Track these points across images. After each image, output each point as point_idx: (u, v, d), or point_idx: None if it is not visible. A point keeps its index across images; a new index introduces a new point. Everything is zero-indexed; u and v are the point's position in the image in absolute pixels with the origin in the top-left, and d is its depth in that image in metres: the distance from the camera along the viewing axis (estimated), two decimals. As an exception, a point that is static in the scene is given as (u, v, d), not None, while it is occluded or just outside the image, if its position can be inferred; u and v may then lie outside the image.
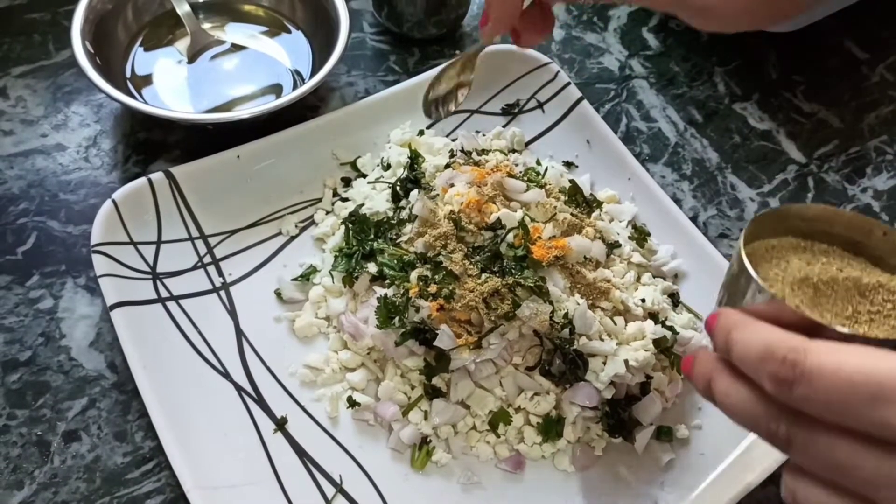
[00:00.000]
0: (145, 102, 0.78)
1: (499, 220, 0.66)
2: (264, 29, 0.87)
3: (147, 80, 0.82)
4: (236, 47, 0.85)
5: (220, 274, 0.71)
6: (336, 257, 0.70)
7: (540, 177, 0.74)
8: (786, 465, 0.38)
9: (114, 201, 0.69)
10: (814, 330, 0.37)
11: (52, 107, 0.82)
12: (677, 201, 0.77)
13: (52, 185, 0.76)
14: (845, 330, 0.37)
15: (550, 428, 0.64)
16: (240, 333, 0.68)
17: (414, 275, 0.65)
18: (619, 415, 0.64)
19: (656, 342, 0.65)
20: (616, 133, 0.80)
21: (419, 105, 0.81)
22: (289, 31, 0.87)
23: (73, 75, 0.84)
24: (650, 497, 0.63)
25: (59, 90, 0.83)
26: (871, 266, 0.46)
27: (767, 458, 0.62)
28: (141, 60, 0.83)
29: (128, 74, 0.82)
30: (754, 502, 0.64)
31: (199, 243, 0.72)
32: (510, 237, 0.66)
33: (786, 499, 0.38)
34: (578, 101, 0.81)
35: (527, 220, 0.67)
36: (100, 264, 0.66)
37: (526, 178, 0.72)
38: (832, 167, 0.85)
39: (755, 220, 0.45)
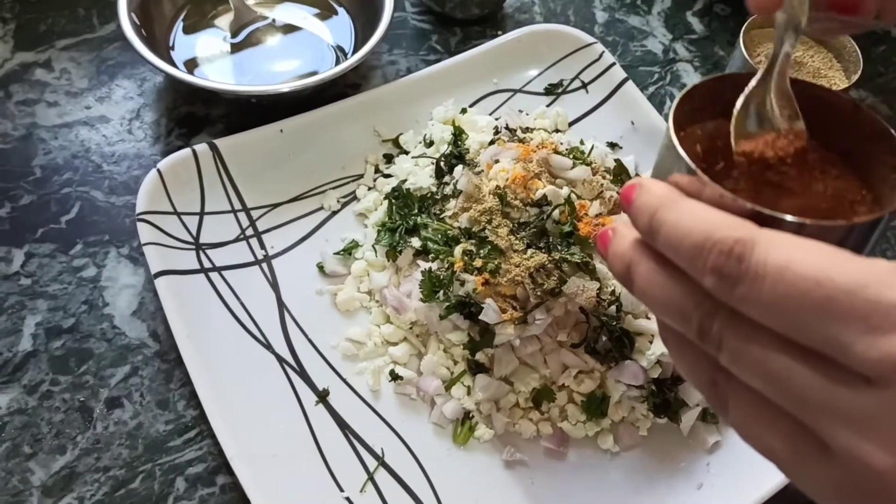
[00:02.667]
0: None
1: (544, 196, 0.66)
2: (310, 9, 0.87)
3: (190, 55, 0.82)
4: (279, 24, 0.85)
5: (263, 247, 0.71)
6: (379, 232, 0.69)
7: (585, 155, 0.73)
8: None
9: (159, 171, 0.69)
10: (755, 219, 0.30)
11: (95, 79, 0.82)
12: (722, 184, 0.76)
13: (96, 156, 0.77)
14: (794, 219, 0.31)
15: (595, 407, 0.63)
16: (282, 305, 0.68)
17: (458, 249, 0.64)
18: (664, 395, 0.63)
19: (703, 322, 0.64)
20: (660, 115, 0.80)
21: (462, 83, 0.81)
22: (335, 12, 0.86)
23: (116, 49, 0.84)
24: (695, 479, 0.62)
25: (103, 63, 0.83)
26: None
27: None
28: (184, 36, 0.83)
29: (171, 49, 0.82)
30: (802, 487, 0.63)
31: (242, 216, 0.72)
32: (556, 214, 0.65)
33: (709, 401, 0.32)
34: (623, 81, 0.80)
35: (573, 196, 0.66)
36: (144, 232, 0.66)
37: (571, 157, 0.71)
38: (880, 154, 0.83)
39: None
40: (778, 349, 0.28)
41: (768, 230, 0.29)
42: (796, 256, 0.27)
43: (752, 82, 0.38)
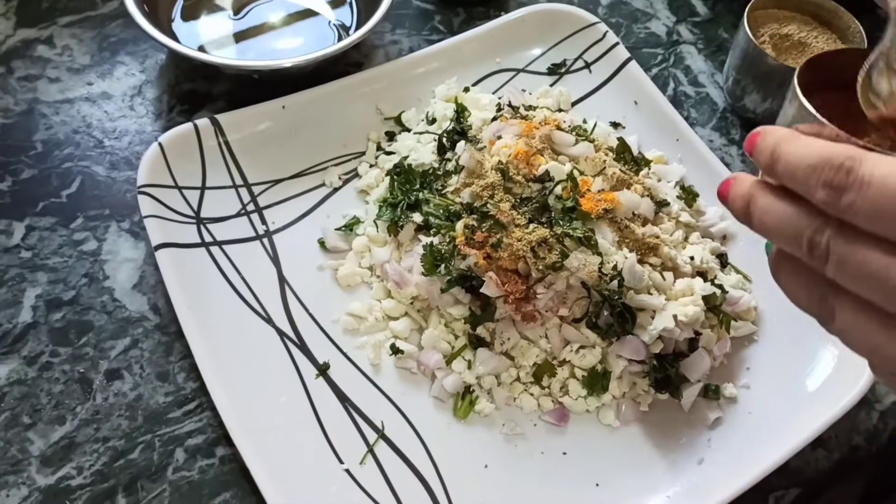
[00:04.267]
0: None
1: (547, 172, 0.65)
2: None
3: (192, 32, 0.82)
4: (282, 2, 0.85)
5: (264, 222, 0.70)
6: (380, 207, 0.69)
7: (588, 133, 0.72)
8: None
9: (160, 144, 0.69)
10: None
11: (97, 56, 0.82)
12: (725, 165, 0.76)
13: (97, 131, 0.76)
14: None
15: (596, 381, 0.63)
16: (282, 280, 0.68)
17: (460, 224, 0.64)
18: (666, 370, 0.63)
19: (705, 299, 0.64)
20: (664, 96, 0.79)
21: (464, 62, 0.81)
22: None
23: (118, 26, 0.84)
24: (696, 454, 0.61)
25: (105, 40, 0.83)
26: None
27: (817, 419, 0.60)
28: (186, 13, 0.83)
29: (174, 26, 0.82)
30: (803, 463, 0.63)
31: (243, 191, 0.71)
32: (558, 189, 0.65)
33: (818, 319, 0.36)
34: (627, 61, 0.80)
35: (575, 173, 0.66)
36: (145, 205, 0.66)
37: (574, 134, 0.71)
38: (884, 136, 0.83)
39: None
40: (881, 251, 0.32)
41: (873, 152, 0.32)
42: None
43: (873, 55, 0.42)
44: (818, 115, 0.37)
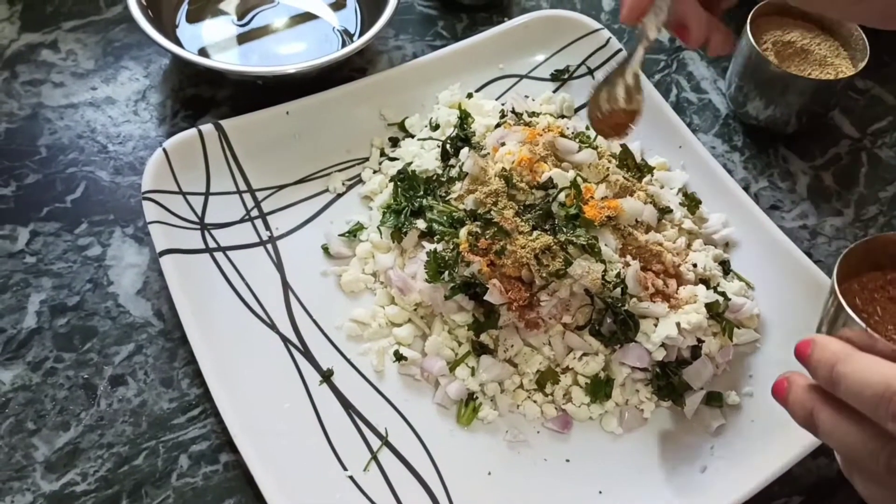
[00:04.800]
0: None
1: (550, 179, 0.66)
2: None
3: (196, 37, 0.82)
4: (286, 8, 0.85)
5: (268, 227, 0.71)
6: (384, 213, 0.69)
7: (591, 140, 0.73)
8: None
9: (164, 150, 0.69)
10: None
11: (101, 61, 0.82)
12: (728, 172, 0.76)
13: (101, 136, 0.77)
14: None
15: (599, 389, 0.63)
16: (286, 286, 0.68)
17: (464, 231, 0.64)
18: (669, 378, 0.63)
19: (708, 306, 0.64)
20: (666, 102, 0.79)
21: (468, 68, 0.81)
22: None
23: (122, 31, 0.84)
24: (699, 462, 0.62)
25: (110, 45, 0.83)
26: None
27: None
28: (190, 18, 0.83)
29: (178, 31, 0.82)
30: (805, 471, 0.63)
31: (247, 197, 0.72)
32: (562, 196, 0.65)
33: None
34: (630, 68, 0.80)
35: (579, 180, 0.66)
36: (149, 211, 0.66)
37: (577, 141, 0.71)
38: (886, 143, 0.83)
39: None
40: None
41: None
42: None
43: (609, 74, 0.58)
44: (859, 321, 0.40)
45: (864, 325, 0.40)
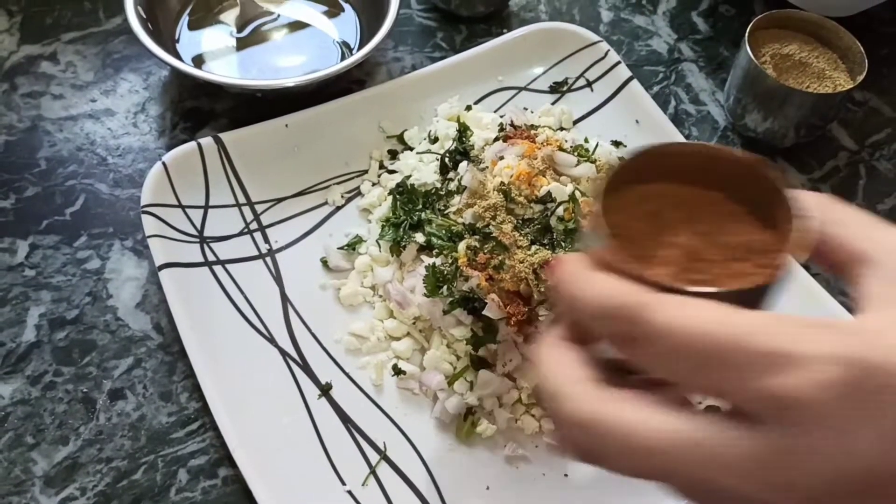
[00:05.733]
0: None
1: (549, 193, 0.66)
2: (317, 6, 0.87)
3: (196, 49, 0.82)
4: (285, 19, 0.85)
5: (267, 240, 0.71)
6: (383, 227, 0.70)
7: (590, 153, 0.73)
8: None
9: (164, 163, 0.69)
10: (657, 287, 0.32)
11: (101, 73, 0.82)
12: (726, 184, 0.76)
13: (101, 149, 0.77)
14: (693, 289, 0.32)
15: (597, 403, 0.63)
16: (285, 299, 0.68)
17: (462, 245, 0.64)
18: (667, 392, 0.63)
19: (707, 320, 0.64)
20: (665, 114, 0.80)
21: (467, 80, 0.81)
22: (341, 9, 0.86)
23: (122, 42, 0.84)
24: (697, 476, 0.62)
25: (109, 57, 0.83)
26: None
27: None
28: (189, 30, 0.83)
29: (177, 43, 0.82)
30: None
31: (246, 209, 0.72)
32: (560, 210, 0.65)
33: None
34: (628, 80, 0.81)
35: (577, 194, 0.66)
36: (149, 225, 0.67)
37: (576, 154, 0.71)
38: (884, 155, 0.83)
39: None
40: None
41: (659, 294, 0.31)
42: (682, 317, 0.29)
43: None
44: (597, 236, 0.35)
45: (600, 237, 0.35)
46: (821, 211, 0.36)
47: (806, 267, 0.70)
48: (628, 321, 0.30)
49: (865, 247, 0.34)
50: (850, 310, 0.66)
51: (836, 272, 0.36)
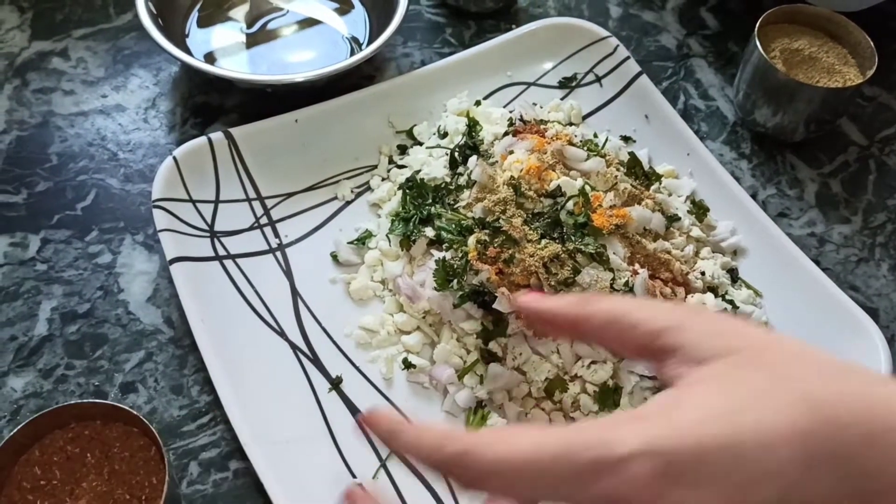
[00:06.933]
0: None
1: (559, 187, 0.66)
2: (327, 2, 0.87)
3: (206, 45, 0.82)
4: (295, 15, 0.85)
5: (277, 235, 0.71)
6: (393, 221, 0.70)
7: (599, 147, 0.73)
8: None
9: (174, 158, 0.69)
10: None
11: (111, 69, 0.83)
12: (736, 179, 0.76)
13: (112, 144, 0.77)
14: None
15: (607, 397, 0.63)
16: (295, 294, 0.68)
17: (472, 239, 0.64)
18: (677, 386, 0.63)
19: (717, 315, 0.64)
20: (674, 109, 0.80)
21: (476, 75, 0.81)
22: (351, 5, 0.87)
23: (132, 38, 0.85)
24: (707, 470, 0.62)
25: (119, 53, 0.84)
26: None
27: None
28: (199, 26, 0.84)
29: (187, 39, 0.82)
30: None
31: (256, 204, 0.72)
32: (570, 205, 0.65)
33: None
34: (637, 75, 0.81)
35: (587, 188, 0.66)
36: (160, 219, 0.67)
37: (586, 149, 0.71)
38: (894, 150, 0.83)
39: None
40: None
41: (476, 435, 0.33)
42: (504, 450, 0.32)
43: None
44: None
45: None
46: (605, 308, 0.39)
47: (816, 262, 0.70)
48: (461, 467, 0.33)
49: (661, 323, 0.36)
50: (861, 304, 0.66)
51: (646, 357, 0.38)
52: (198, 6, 0.85)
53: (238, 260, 0.69)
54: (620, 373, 0.63)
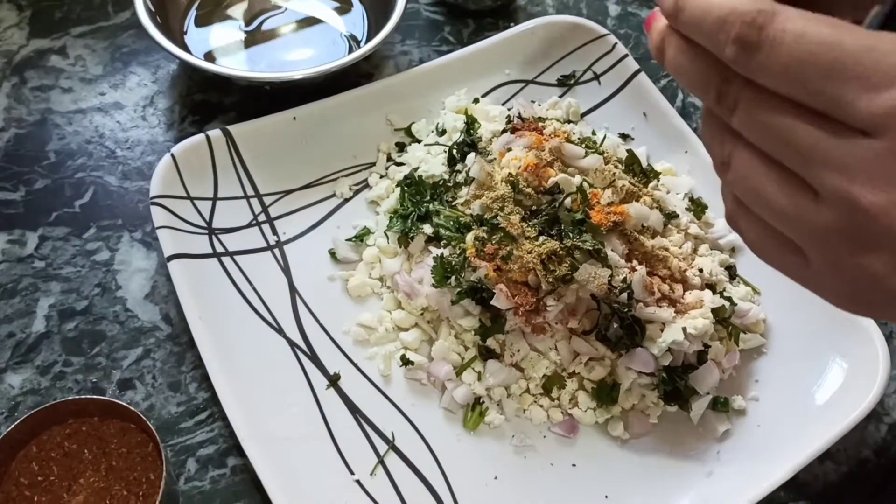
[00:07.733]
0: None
1: (557, 184, 0.66)
2: (326, 0, 0.87)
3: (204, 43, 0.82)
4: (293, 13, 0.85)
5: (275, 232, 0.71)
6: (391, 218, 0.70)
7: (597, 145, 0.73)
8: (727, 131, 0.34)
9: (173, 155, 0.69)
10: None
11: (110, 66, 0.83)
12: (734, 177, 0.76)
13: (110, 142, 0.77)
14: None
15: (605, 394, 0.63)
16: (293, 291, 0.68)
17: (470, 236, 0.64)
18: (675, 383, 0.63)
19: (714, 311, 0.64)
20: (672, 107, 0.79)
21: (474, 73, 0.81)
22: (349, 3, 0.87)
23: (131, 36, 0.85)
24: (705, 467, 0.62)
25: (118, 50, 0.84)
26: None
27: (826, 432, 0.60)
28: (198, 24, 0.84)
29: (185, 37, 0.82)
30: (811, 476, 0.63)
31: (255, 202, 0.72)
32: (568, 202, 0.65)
33: (715, 159, 0.35)
34: (636, 73, 0.81)
35: (585, 185, 0.66)
36: (158, 216, 0.67)
37: (584, 146, 0.71)
38: (892, 148, 0.83)
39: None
40: (786, 110, 0.31)
41: (787, 6, 0.31)
42: (811, 26, 0.30)
43: None
44: None
45: None
46: None
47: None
48: (758, 26, 0.30)
49: None
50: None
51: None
52: (196, 4, 0.85)
53: (236, 257, 0.69)
54: (618, 369, 0.63)
